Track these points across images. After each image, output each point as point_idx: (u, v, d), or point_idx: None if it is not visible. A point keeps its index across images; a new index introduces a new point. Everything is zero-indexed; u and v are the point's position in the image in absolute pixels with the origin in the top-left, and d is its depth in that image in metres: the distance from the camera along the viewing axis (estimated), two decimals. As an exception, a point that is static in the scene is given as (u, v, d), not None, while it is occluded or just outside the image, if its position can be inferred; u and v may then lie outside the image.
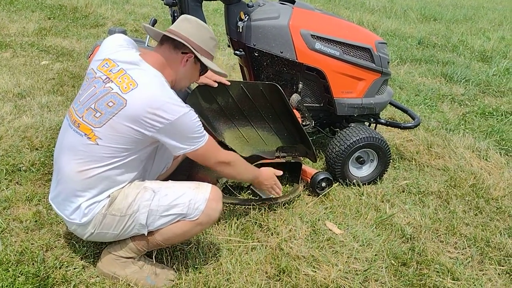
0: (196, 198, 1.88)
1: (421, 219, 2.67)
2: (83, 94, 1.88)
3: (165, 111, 1.75)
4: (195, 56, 1.96)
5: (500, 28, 9.74)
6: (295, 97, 2.85)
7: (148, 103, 1.74)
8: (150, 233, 1.91)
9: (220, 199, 1.96)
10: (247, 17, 2.71)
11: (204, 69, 2.09)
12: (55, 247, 2.18)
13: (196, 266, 2.13)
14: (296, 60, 2.77)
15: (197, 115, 1.86)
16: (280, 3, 2.95)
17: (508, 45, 7.77)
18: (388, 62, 3.02)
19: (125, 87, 1.78)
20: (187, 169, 2.65)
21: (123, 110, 1.76)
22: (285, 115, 2.65)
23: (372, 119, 3.23)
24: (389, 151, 2.93)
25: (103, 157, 1.80)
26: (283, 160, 2.76)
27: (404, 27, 8.92)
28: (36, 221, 2.34)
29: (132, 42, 2.04)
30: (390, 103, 3.39)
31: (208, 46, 2.00)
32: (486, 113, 4.51)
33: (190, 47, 1.92)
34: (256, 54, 2.77)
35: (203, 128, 1.90)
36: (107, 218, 1.86)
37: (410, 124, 3.23)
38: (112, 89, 1.80)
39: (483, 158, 3.51)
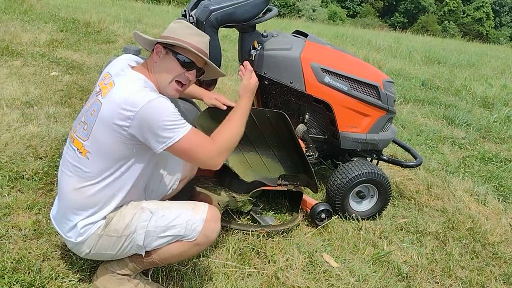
0: (194, 219, 1.87)
1: (418, 258, 2.67)
2: (82, 110, 1.92)
3: (130, 102, 1.69)
4: (164, 47, 1.88)
5: (503, 76, 9.93)
6: (301, 127, 2.89)
7: (117, 100, 1.73)
8: (147, 252, 1.91)
9: (217, 219, 1.94)
10: (260, 46, 2.77)
11: (187, 61, 1.90)
12: (52, 257, 2.17)
13: (191, 288, 2.13)
14: (305, 92, 2.82)
15: (171, 104, 1.74)
16: (294, 35, 3.03)
17: (510, 93, 7.91)
18: (394, 101, 3.07)
19: (105, 92, 1.80)
20: (189, 191, 2.66)
21: (99, 114, 1.77)
22: (290, 144, 2.68)
23: (374, 155, 3.26)
24: (390, 188, 2.95)
25: (95, 172, 1.80)
26: (284, 188, 2.78)
27: (408, 68, 9.09)
28: (35, 230, 2.34)
29: (137, 61, 2.03)
30: (393, 141, 3.43)
31: (189, 39, 1.88)
32: (486, 159, 4.56)
33: (159, 40, 1.87)
34: (266, 83, 2.82)
35: (180, 117, 1.76)
36: (103, 239, 1.86)
37: (412, 163, 3.27)
38: (98, 98, 1.83)
39: (481, 202, 3.53)
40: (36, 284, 1.96)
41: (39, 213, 2.50)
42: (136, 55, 2.13)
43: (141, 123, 1.70)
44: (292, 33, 3.12)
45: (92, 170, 1.80)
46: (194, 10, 2.71)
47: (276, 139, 2.70)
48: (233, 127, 1.94)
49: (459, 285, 2.51)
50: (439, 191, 3.58)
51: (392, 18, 57.11)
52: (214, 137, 1.87)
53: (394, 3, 59.00)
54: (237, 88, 5.67)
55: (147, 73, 1.89)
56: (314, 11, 47.09)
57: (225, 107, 2.52)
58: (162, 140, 1.73)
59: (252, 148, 2.71)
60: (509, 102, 7.16)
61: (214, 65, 2.02)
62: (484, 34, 51.84)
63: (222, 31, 2.71)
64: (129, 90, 1.74)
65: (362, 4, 58.74)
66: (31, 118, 3.69)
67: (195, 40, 1.91)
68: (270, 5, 2.76)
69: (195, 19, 2.62)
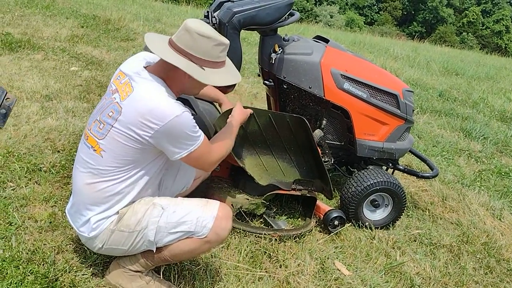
0: (204, 216, 1.88)
1: (431, 271, 2.64)
2: (97, 107, 1.93)
3: (156, 116, 1.73)
4: None
5: (521, 90, 9.79)
6: (317, 133, 2.88)
7: (140, 109, 1.74)
8: (159, 248, 1.92)
9: (229, 217, 1.94)
10: (281, 50, 2.77)
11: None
12: (66, 250, 2.19)
13: (202, 288, 2.13)
14: (324, 97, 2.81)
15: (191, 116, 1.81)
16: (315, 40, 3.03)
17: (529, 108, 7.79)
18: (413, 111, 3.05)
19: (124, 95, 1.80)
20: (203, 191, 2.67)
21: (119, 118, 1.78)
22: (307, 149, 2.68)
23: (390, 164, 3.24)
24: (405, 198, 2.93)
25: (108, 170, 1.82)
26: (298, 193, 2.77)
27: (426, 78, 9.01)
28: (50, 222, 2.36)
29: (154, 59, 2.00)
30: (410, 151, 3.40)
31: (211, 55, 1.86)
32: (503, 173, 4.50)
33: (190, 62, 1.82)
34: (285, 86, 2.82)
35: (198, 128, 1.86)
36: (115, 234, 1.87)
37: (428, 174, 3.24)
38: (115, 99, 1.83)
39: (497, 217, 3.49)
40: (50, 276, 1.98)
41: (55, 205, 2.53)
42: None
43: (163, 135, 1.76)
44: (313, 38, 3.12)
45: (105, 168, 1.82)
46: (217, 12, 2.72)
47: (293, 144, 2.69)
48: (227, 145, 2.10)
49: (472, 300, 2.48)
50: (454, 204, 3.54)
51: (410, 27, 56.82)
52: (212, 147, 1.98)
53: (413, 12, 58.67)
54: (253, 90, 5.70)
55: (167, 78, 1.87)
56: (331, 17, 47.04)
57: None
58: (178, 151, 1.83)
59: (269, 151, 2.71)
60: (528, 117, 7.06)
61: (221, 82, 1.96)
62: (503, 47, 51.31)
63: (241, 33, 2.71)
64: (154, 101, 1.75)
65: (380, 12, 58.51)
66: (50, 111, 3.73)
67: (219, 50, 1.88)
68: (292, 9, 2.76)
69: (217, 20, 2.63)
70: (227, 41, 1.91)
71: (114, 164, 1.81)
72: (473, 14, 57.04)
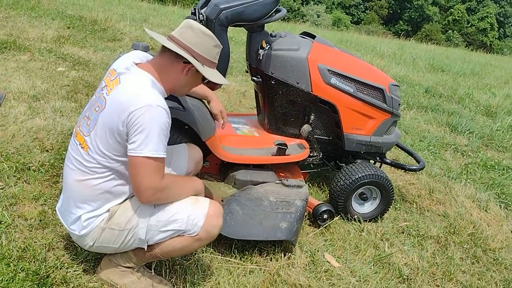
0: (195, 214, 1.88)
1: (419, 261, 2.69)
2: (87, 105, 1.94)
3: (133, 102, 1.71)
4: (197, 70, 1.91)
5: (506, 85, 9.97)
6: (306, 128, 2.91)
7: (121, 100, 1.74)
8: (150, 246, 1.92)
9: (219, 215, 1.94)
10: (268, 46, 2.80)
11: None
12: (57, 247, 2.19)
13: (194, 283, 2.14)
14: (311, 92, 2.84)
15: (167, 120, 1.75)
16: (301, 36, 3.06)
17: (513, 102, 7.93)
18: (399, 104, 3.10)
19: (110, 89, 1.81)
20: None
21: (103, 111, 1.78)
22: None
23: (378, 158, 3.28)
24: (393, 190, 2.97)
25: (95, 167, 1.81)
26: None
27: (412, 75, 9.11)
28: (40, 220, 2.36)
29: (146, 57, 2.01)
30: (396, 145, 3.45)
31: (211, 55, 1.93)
32: (488, 166, 4.57)
33: (192, 58, 1.86)
34: (273, 82, 2.84)
35: (166, 138, 1.78)
36: (106, 232, 1.87)
37: (414, 167, 3.29)
38: (103, 94, 1.84)
39: (483, 209, 3.55)
40: (41, 273, 1.98)
41: (45, 204, 2.52)
42: (144, 51, 2.13)
43: (132, 120, 1.70)
44: (300, 34, 3.15)
45: (93, 165, 1.81)
46: (204, 9, 2.74)
47: None
48: (178, 193, 1.91)
49: (459, 288, 2.52)
50: (441, 196, 3.60)
51: (396, 26, 57.19)
52: (164, 183, 1.81)
53: (399, 11, 59.11)
54: (242, 89, 5.72)
55: (157, 74, 1.88)
56: (318, 16, 47.18)
57: (222, 123, 2.60)
58: (135, 146, 1.72)
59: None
60: (512, 112, 7.19)
61: (220, 80, 2.03)
62: (488, 45, 51.94)
63: (228, 31, 2.73)
64: (136, 91, 1.75)
65: (366, 11, 58.86)
66: (38, 111, 3.71)
67: (216, 52, 1.96)
68: (279, 6, 2.78)
69: (204, 17, 2.65)
70: (221, 45, 2.01)
71: (100, 162, 1.80)
72: (458, 12, 57.66)
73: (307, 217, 2.88)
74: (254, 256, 2.45)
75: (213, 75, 1.95)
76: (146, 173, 1.75)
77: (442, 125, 5.86)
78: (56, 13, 8.42)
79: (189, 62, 1.88)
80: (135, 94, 1.74)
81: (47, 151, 3.09)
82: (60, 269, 2.05)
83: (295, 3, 48.25)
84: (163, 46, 1.89)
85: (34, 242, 2.19)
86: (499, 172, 4.47)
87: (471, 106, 7.21)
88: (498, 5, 59.76)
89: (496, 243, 3.07)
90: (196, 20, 2.66)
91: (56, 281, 1.97)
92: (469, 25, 57.72)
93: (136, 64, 1.90)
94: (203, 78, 1.98)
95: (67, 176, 1.90)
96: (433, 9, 58.10)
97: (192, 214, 1.88)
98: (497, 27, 58.40)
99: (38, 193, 2.59)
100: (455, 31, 55.69)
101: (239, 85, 5.90)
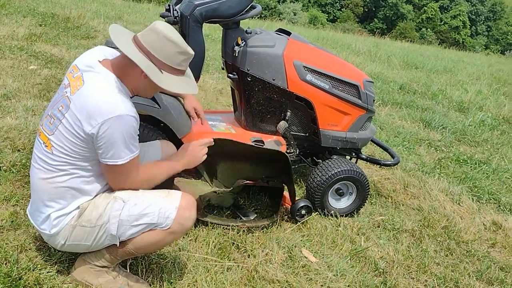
0: (167, 207, 1.86)
1: (394, 254, 2.73)
2: (50, 103, 1.90)
3: (99, 110, 1.70)
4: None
5: (478, 82, 10.19)
6: (282, 124, 2.92)
7: (86, 104, 1.72)
8: (123, 242, 1.89)
9: (192, 207, 1.93)
10: (244, 42, 2.79)
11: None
12: (29, 249, 2.14)
13: (171, 281, 2.13)
14: (287, 89, 2.85)
15: (135, 125, 1.77)
16: (277, 33, 3.06)
17: (485, 98, 8.12)
18: (374, 100, 3.13)
19: (74, 89, 1.78)
20: (169, 184, 2.65)
21: (67, 112, 1.76)
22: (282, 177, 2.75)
23: (353, 154, 3.32)
24: (368, 186, 3.01)
25: (60, 165, 1.79)
26: (265, 184, 2.80)
27: (387, 72, 9.23)
28: (12, 221, 2.30)
29: (112, 54, 1.95)
30: (372, 140, 3.49)
31: (173, 61, 1.84)
32: (461, 160, 4.67)
33: (149, 63, 1.80)
34: (249, 79, 2.84)
35: (136, 141, 1.81)
36: (77, 230, 1.85)
37: (389, 162, 3.33)
38: (66, 93, 1.81)
39: (456, 202, 3.62)
40: (13, 275, 1.93)
41: (17, 204, 2.47)
42: (114, 47, 2.03)
43: (101, 132, 1.71)
44: (275, 31, 3.15)
45: (57, 163, 1.79)
46: (179, 5, 2.71)
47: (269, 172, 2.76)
48: (157, 177, 1.98)
49: (434, 280, 2.57)
50: (415, 191, 3.66)
51: (371, 24, 57.96)
52: (141, 172, 1.89)
53: (374, 9, 59.87)
54: (219, 86, 5.70)
55: (122, 74, 1.83)
56: (295, 14, 47.43)
57: (197, 120, 2.58)
58: (108, 156, 1.76)
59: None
60: (484, 107, 7.35)
61: (177, 90, 1.97)
62: (461, 42, 53.11)
63: (204, 29, 2.72)
64: (101, 96, 1.73)
65: (342, 9, 59.42)
66: (9, 110, 3.62)
67: (181, 59, 1.87)
68: (254, 3, 2.78)
69: (179, 13, 2.63)
70: (192, 52, 1.90)
71: (65, 160, 1.78)
72: (431, 10, 58.79)
73: (284, 213, 2.89)
74: (232, 253, 2.44)
75: (170, 83, 1.86)
76: (123, 177, 1.85)
77: (416, 121, 5.96)
78: (28, 10, 8.23)
79: None
80: (102, 101, 1.72)
81: (18, 150, 3.02)
82: (33, 270, 2.00)
83: (271, 1, 48.38)
84: None
85: (6, 243, 2.13)
86: (471, 166, 4.57)
87: (444, 102, 7.36)
88: (470, 3, 61.16)
89: (469, 235, 3.14)
90: (170, 16, 2.65)
91: (29, 283, 1.93)
92: (442, 23, 58.90)
93: (100, 61, 1.86)
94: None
95: (33, 175, 1.87)
96: (407, 7, 59.08)
97: (163, 207, 1.86)
98: (469, 25, 59.79)
99: (10, 193, 2.53)
100: (428, 29, 56.79)
101: (216, 82, 5.88)
